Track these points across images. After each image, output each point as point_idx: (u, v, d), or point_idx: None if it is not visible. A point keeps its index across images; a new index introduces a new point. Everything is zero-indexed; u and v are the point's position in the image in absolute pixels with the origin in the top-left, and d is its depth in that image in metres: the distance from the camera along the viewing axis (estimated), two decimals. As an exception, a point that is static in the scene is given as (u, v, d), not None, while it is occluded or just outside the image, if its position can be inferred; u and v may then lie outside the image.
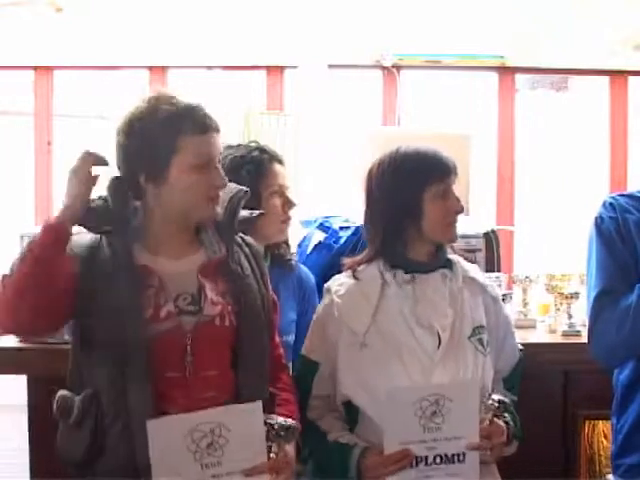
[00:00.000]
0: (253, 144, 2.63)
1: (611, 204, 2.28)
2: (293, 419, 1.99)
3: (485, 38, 4.42)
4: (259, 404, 1.87)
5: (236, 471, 1.85)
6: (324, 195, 3.81)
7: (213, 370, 1.96)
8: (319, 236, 2.94)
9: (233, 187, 2.10)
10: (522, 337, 3.10)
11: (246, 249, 2.12)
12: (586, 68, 4.69)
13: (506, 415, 2.14)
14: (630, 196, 2.30)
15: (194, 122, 1.93)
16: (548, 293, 3.30)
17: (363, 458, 2.04)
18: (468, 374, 2.12)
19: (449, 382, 2.07)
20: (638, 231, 2.21)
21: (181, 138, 1.91)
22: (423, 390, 2.02)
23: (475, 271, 2.32)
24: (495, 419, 2.08)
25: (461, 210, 2.18)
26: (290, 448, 1.98)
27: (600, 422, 3.05)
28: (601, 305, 2.19)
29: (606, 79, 4.72)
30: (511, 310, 3.28)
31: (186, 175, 1.92)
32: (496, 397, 2.08)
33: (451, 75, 4.61)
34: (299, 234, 3.08)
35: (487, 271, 3.21)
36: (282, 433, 1.91)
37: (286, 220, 2.59)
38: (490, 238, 3.24)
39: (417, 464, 2.00)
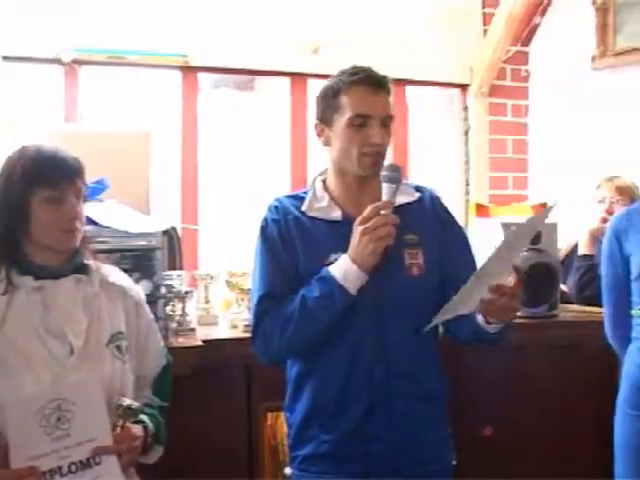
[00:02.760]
0: None
1: (275, 207, 2.35)
2: None
3: (168, 36, 4.41)
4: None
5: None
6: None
7: None
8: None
9: None
10: (205, 334, 3.14)
11: None
12: (268, 69, 4.81)
13: (145, 420, 2.12)
14: (294, 197, 2.38)
15: None
16: (229, 290, 3.35)
17: None
18: (105, 382, 2.06)
19: (66, 384, 2.00)
20: (297, 229, 2.30)
21: None
22: (42, 397, 1.94)
23: (116, 275, 2.26)
24: (129, 424, 2.05)
25: (76, 216, 2.08)
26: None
27: (282, 413, 3.13)
28: (264, 308, 2.26)
29: (287, 80, 4.87)
30: (194, 307, 3.31)
31: None
32: (125, 402, 2.04)
33: (134, 72, 4.54)
34: None
35: (169, 269, 3.20)
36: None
37: None
38: (171, 236, 3.23)
39: (52, 477, 1.91)
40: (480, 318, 2.18)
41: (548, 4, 5.23)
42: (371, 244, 2.13)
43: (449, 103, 5.50)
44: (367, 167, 2.25)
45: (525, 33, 5.33)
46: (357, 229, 2.16)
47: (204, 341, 3.00)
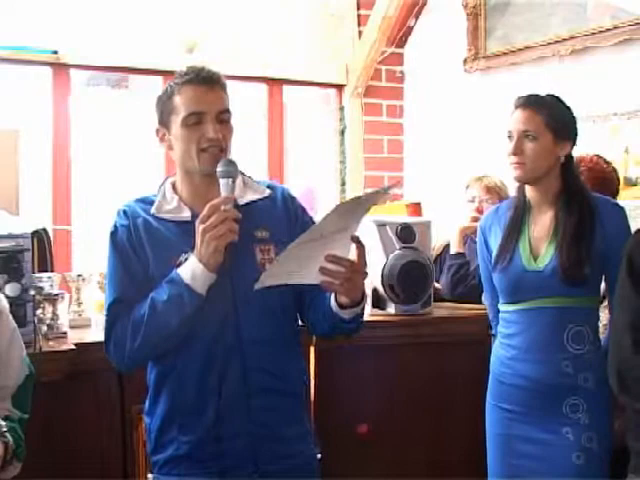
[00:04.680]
0: None
1: (124, 211, 2.32)
2: None
3: (39, 32, 4.31)
4: None
5: None
6: None
7: None
8: None
9: None
10: (78, 337, 3.07)
11: None
12: (142, 67, 4.75)
13: (7, 436, 2.04)
14: (143, 200, 2.36)
15: None
16: (102, 291, 3.29)
17: None
18: None
19: None
20: (146, 232, 2.28)
21: None
22: None
23: None
24: None
25: None
26: None
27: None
28: (115, 314, 2.24)
29: (161, 79, 4.82)
30: (65, 310, 3.23)
31: None
32: None
33: (4, 68, 4.41)
34: None
35: (40, 271, 3.12)
36: None
37: None
38: (41, 237, 3.15)
39: None
40: (333, 303, 2.21)
41: (422, 7, 5.34)
42: (213, 242, 2.11)
43: (325, 103, 5.56)
44: (207, 164, 2.23)
45: (400, 35, 5.43)
46: (198, 228, 2.15)
47: (76, 344, 2.93)
